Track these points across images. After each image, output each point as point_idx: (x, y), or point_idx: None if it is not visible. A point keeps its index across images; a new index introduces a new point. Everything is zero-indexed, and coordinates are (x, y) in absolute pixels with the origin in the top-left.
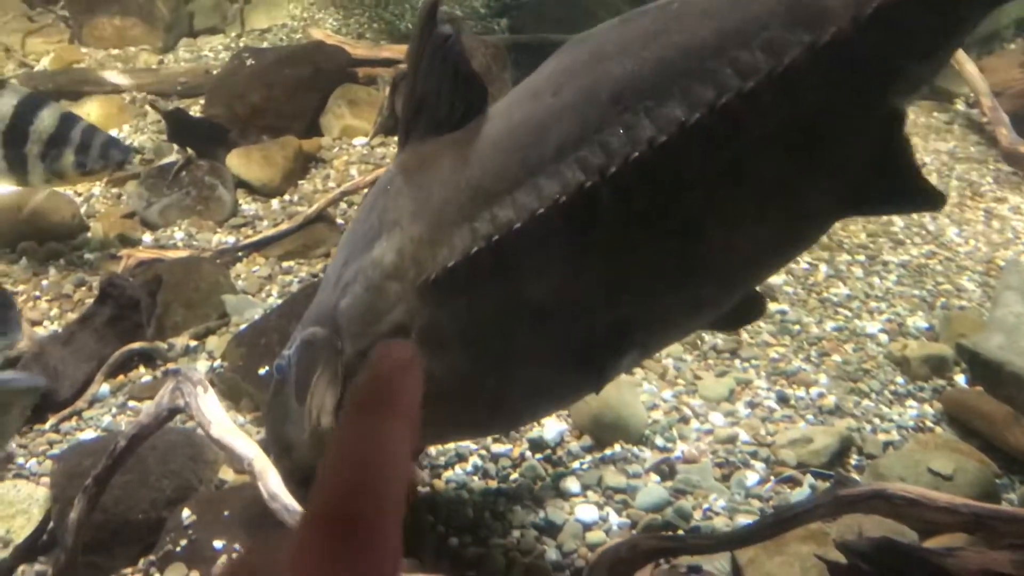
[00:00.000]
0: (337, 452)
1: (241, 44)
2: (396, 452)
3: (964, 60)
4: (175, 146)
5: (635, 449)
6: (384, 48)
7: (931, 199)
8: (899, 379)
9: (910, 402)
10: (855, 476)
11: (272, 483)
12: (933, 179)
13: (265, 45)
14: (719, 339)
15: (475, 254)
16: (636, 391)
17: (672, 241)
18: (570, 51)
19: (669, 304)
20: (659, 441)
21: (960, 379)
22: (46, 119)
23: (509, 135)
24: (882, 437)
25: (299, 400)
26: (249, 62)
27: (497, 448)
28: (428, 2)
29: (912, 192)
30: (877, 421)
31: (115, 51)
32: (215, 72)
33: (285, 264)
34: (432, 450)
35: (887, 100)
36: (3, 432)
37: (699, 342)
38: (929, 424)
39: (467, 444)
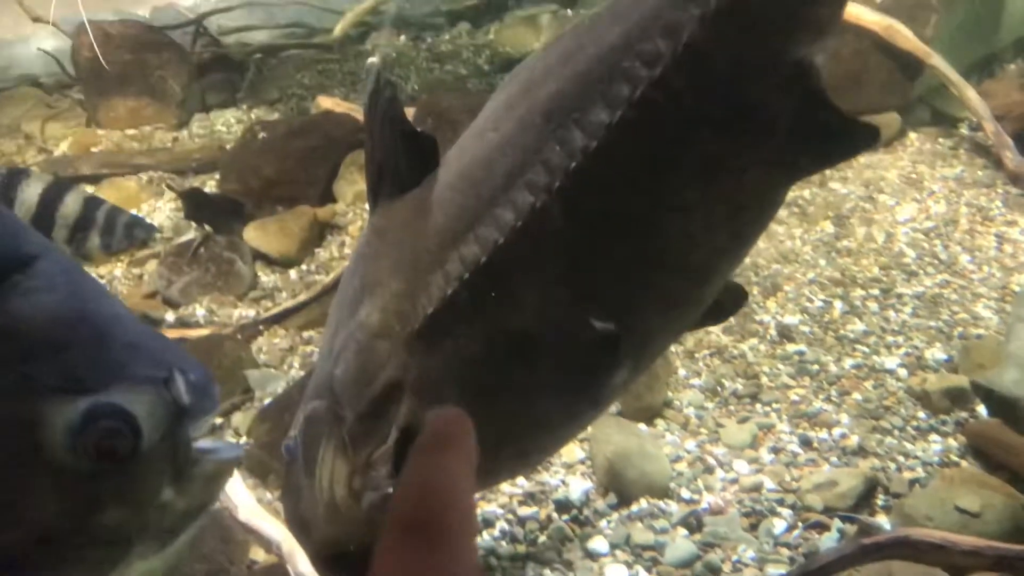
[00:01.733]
0: (408, 481)
1: (253, 117)
2: (462, 482)
3: (964, 86)
4: (193, 224)
5: (661, 503)
6: None
7: (865, 135)
8: (921, 414)
9: (933, 437)
10: (882, 517)
11: (301, 565)
12: (941, 206)
13: (276, 116)
14: (739, 384)
15: (450, 297)
16: (659, 443)
17: (630, 242)
18: (505, 88)
19: (645, 309)
20: (685, 493)
21: (982, 410)
22: (71, 204)
23: (462, 177)
24: (907, 475)
25: (308, 475)
26: (261, 135)
27: (524, 511)
28: (375, 70)
29: (843, 134)
30: (901, 459)
31: (130, 131)
32: (228, 147)
33: (306, 334)
34: None
35: (792, 52)
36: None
37: (719, 388)
38: (954, 458)
39: (493, 509)
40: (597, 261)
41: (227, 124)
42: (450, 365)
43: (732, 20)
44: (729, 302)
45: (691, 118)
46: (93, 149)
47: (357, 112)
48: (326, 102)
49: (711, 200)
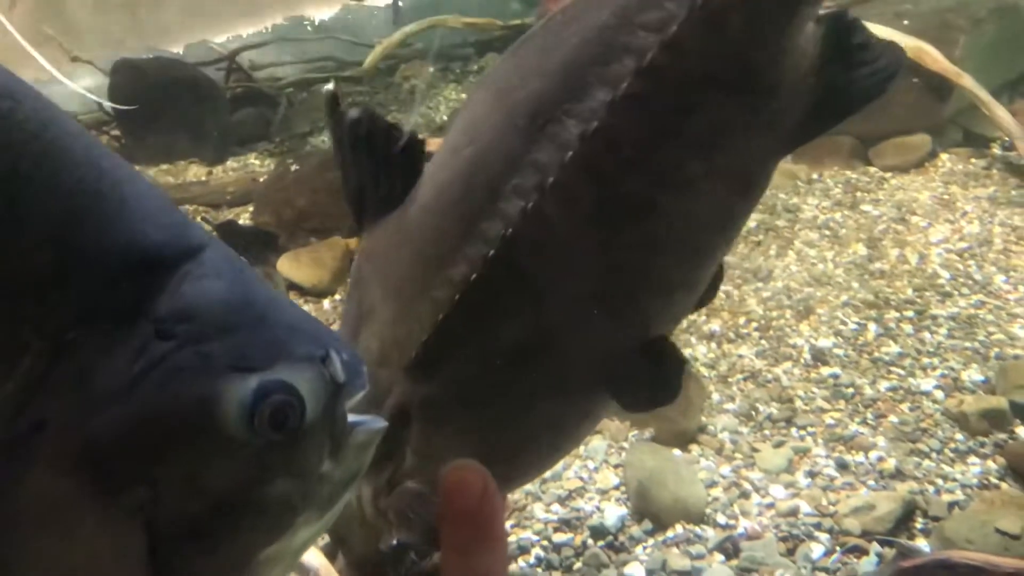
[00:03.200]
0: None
1: (285, 150)
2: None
3: (995, 106)
4: None
5: (697, 529)
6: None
7: (890, 54)
8: (959, 436)
9: (972, 459)
10: (921, 540)
11: None
12: (975, 226)
13: (308, 148)
14: (773, 408)
15: (442, 322)
16: (693, 468)
17: (631, 230)
18: (475, 98)
19: (644, 298)
20: (721, 519)
21: (1022, 431)
22: None
23: (439, 197)
24: (946, 498)
25: None
26: (293, 168)
27: (559, 538)
28: (328, 96)
29: (869, 59)
30: (940, 481)
31: (165, 166)
32: (262, 179)
33: None
34: None
35: (802, 9)
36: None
37: (753, 413)
38: (994, 480)
39: (528, 536)
40: (594, 257)
41: (260, 158)
42: (452, 389)
43: None
44: (712, 282)
45: (700, 81)
46: None
47: None
48: None
49: (713, 173)
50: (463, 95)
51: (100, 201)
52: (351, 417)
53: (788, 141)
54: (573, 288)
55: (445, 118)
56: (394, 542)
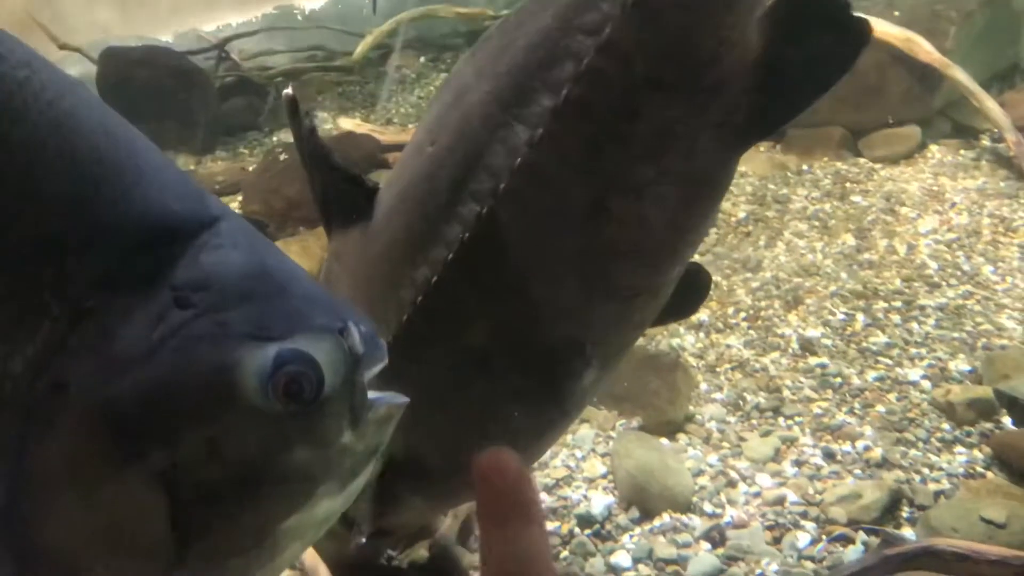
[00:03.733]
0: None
1: (274, 140)
2: (542, 557)
3: (984, 97)
4: None
5: (684, 518)
6: (412, 132)
7: (818, 82)
8: (945, 425)
9: (958, 448)
10: (907, 529)
11: None
12: (963, 217)
13: None
14: (761, 398)
15: (407, 323)
16: (681, 457)
17: (584, 234)
18: (439, 98)
19: (604, 303)
20: (707, 507)
21: (1008, 420)
22: None
23: (405, 198)
24: (932, 487)
25: None
26: (282, 157)
27: (546, 526)
28: (287, 100)
29: (793, 86)
30: (926, 471)
31: None
32: (251, 169)
33: None
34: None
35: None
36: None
37: (741, 402)
38: (980, 470)
39: None
40: (549, 261)
41: (250, 147)
42: (419, 389)
43: None
44: (694, 291)
45: (641, 84)
46: None
47: (378, 132)
48: (347, 123)
49: (664, 175)
50: None
51: (117, 170)
52: (373, 394)
53: (744, 138)
54: (531, 291)
55: None
56: (362, 540)
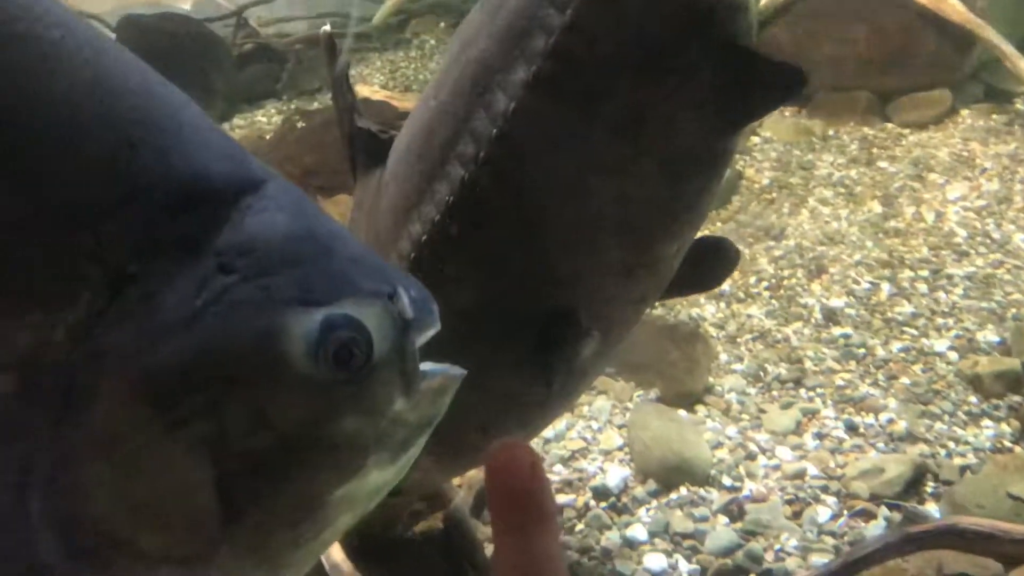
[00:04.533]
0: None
1: (292, 107)
2: (553, 558)
3: (1018, 59)
4: None
5: (702, 491)
6: None
7: (789, 77)
8: (972, 398)
9: (985, 422)
10: (931, 505)
11: (335, 554)
12: (994, 184)
13: (316, 106)
14: (782, 369)
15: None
16: (699, 429)
17: (567, 208)
18: (450, 47)
19: (598, 276)
20: (726, 481)
21: None
22: None
23: (409, 149)
24: (958, 461)
25: None
26: (300, 125)
27: (561, 499)
28: (325, 38)
29: (763, 78)
30: (952, 445)
31: None
32: (268, 137)
33: None
34: None
35: None
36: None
37: (762, 373)
38: (1007, 444)
39: None
40: (538, 231)
41: (268, 115)
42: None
43: None
44: (716, 264)
45: (609, 65)
46: None
47: (396, 100)
48: (364, 90)
49: (642, 154)
50: None
51: (157, 131)
52: (428, 365)
53: (732, 120)
54: (516, 256)
55: None
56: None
